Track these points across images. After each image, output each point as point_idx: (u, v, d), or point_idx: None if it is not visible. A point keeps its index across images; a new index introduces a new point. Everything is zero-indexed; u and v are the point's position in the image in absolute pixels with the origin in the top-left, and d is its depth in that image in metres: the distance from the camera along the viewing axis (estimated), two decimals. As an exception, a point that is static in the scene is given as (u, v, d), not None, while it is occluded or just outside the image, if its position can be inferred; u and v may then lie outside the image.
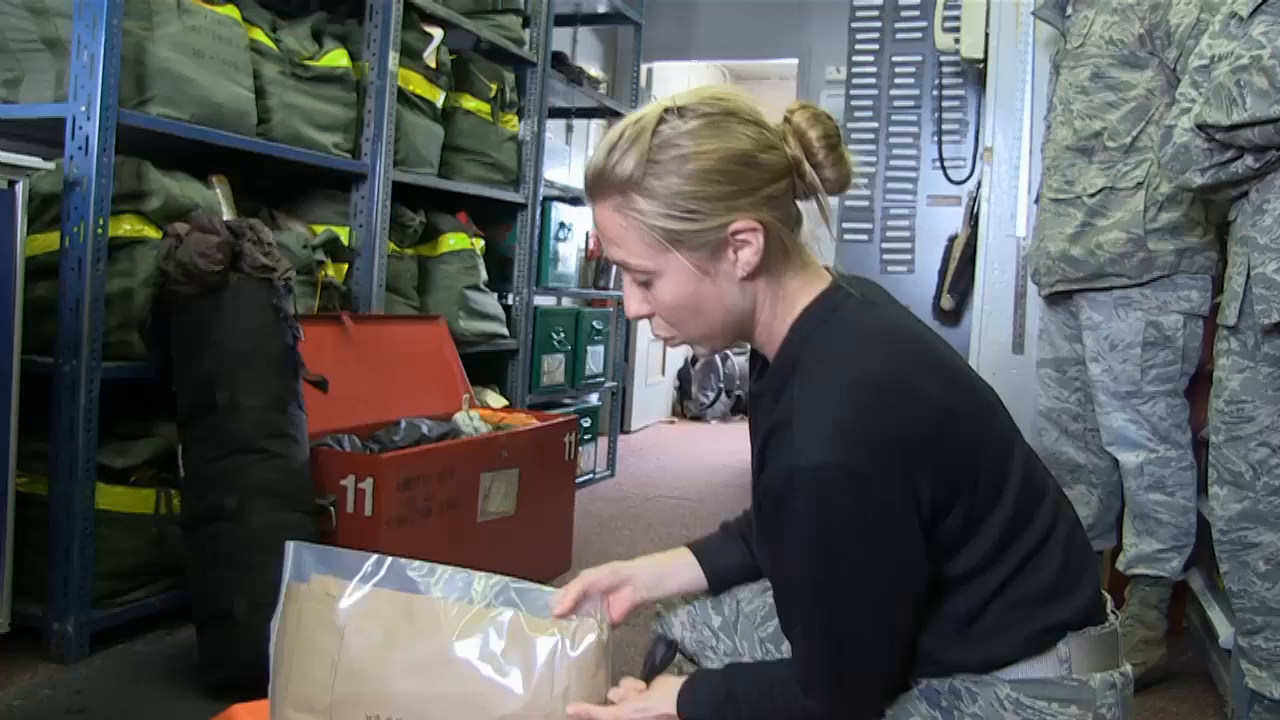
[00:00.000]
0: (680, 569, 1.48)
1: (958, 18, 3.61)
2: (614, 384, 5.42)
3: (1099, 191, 2.52)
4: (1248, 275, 1.98)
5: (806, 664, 1.18)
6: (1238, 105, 1.84)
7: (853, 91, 4.15)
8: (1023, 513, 1.21)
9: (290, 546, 1.47)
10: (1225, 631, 2.35)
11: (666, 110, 1.17)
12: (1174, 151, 2.04)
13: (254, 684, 2.13)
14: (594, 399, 5.23)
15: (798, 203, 1.22)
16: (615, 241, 1.20)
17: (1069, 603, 1.21)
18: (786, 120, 1.20)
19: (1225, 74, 1.87)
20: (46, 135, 2.55)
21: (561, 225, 4.77)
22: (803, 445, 1.10)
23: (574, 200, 5.09)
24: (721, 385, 7.86)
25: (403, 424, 2.97)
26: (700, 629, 1.49)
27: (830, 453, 1.08)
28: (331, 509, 2.51)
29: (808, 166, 1.18)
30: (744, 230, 1.15)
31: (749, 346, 1.32)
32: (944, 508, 1.15)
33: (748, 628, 1.46)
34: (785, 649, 1.43)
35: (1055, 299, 2.70)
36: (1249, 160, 1.92)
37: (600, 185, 1.19)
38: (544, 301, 4.99)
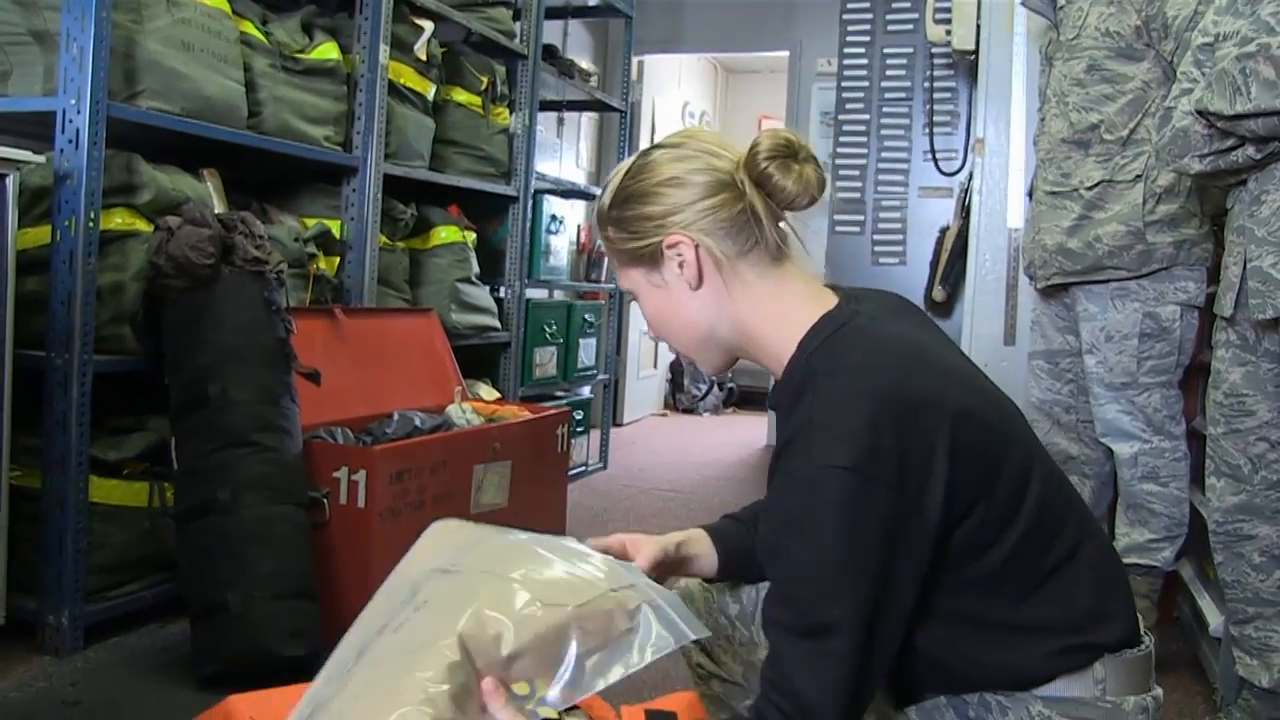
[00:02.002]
0: (699, 542, 1.48)
1: (949, 9, 3.61)
2: (606, 377, 5.43)
3: (1096, 184, 2.52)
4: (1244, 267, 1.97)
5: (777, 672, 1.14)
6: (1242, 95, 1.79)
7: (844, 84, 4.15)
8: (1046, 527, 1.20)
9: None
10: (1215, 620, 2.36)
11: (641, 152, 1.33)
12: (1173, 135, 2.00)
13: (248, 676, 2.14)
14: (586, 392, 5.23)
15: (783, 224, 1.28)
16: (613, 269, 1.38)
17: (1103, 625, 1.21)
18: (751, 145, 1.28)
19: (1230, 60, 1.81)
20: (36, 129, 2.55)
21: (553, 218, 4.76)
22: (813, 451, 1.11)
23: (565, 193, 5.09)
24: (713, 378, 7.86)
25: (395, 416, 2.97)
26: (716, 617, 1.50)
27: (838, 456, 1.09)
28: (324, 501, 2.51)
29: (750, 184, 1.24)
30: (674, 244, 1.26)
31: None
32: (962, 510, 1.14)
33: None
34: None
35: (1049, 291, 2.70)
36: (1250, 150, 1.89)
37: (597, 222, 1.36)
38: (536, 294, 4.99)
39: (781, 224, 1.27)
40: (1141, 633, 1.26)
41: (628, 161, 1.33)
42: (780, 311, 1.26)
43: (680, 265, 1.27)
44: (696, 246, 1.25)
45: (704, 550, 1.47)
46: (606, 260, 5.39)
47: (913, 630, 1.18)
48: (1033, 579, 1.19)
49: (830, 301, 1.27)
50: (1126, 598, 1.26)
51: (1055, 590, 1.20)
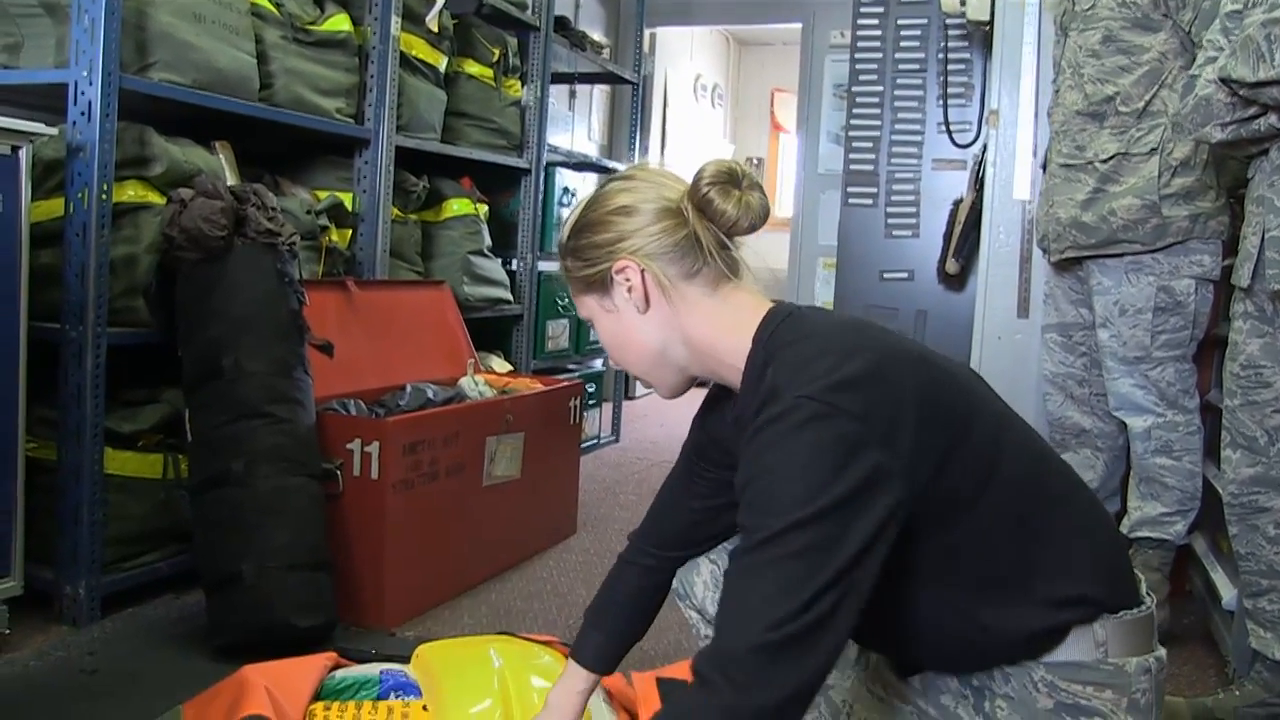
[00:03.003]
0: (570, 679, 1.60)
1: (964, -20, 3.57)
2: (618, 350, 5.42)
3: (1112, 157, 2.50)
4: (1263, 237, 1.96)
5: (738, 620, 1.06)
6: (1265, 61, 1.77)
7: (857, 55, 4.12)
8: (1030, 482, 1.21)
9: None
10: (1228, 594, 2.36)
11: (600, 185, 1.39)
12: (1195, 104, 1.98)
13: (262, 646, 2.16)
14: (598, 365, 5.24)
15: (732, 247, 1.31)
16: (572, 298, 1.42)
17: (1098, 581, 1.21)
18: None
19: (1256, 27, 1.79)
20: (48, 101, 2.54)
21: (565, 191, 4.75)
22: (780, 401, 1.11)
23: (577, 166, 5.07)
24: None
25: (408, 389, 2.98)
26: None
27: (806, 388, 1.10)
28: (338, 473, 2.52)
29: (692, 209, 1.28)
30: (622, 269, 1.30)
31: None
32: (936, 460, 1.13)
33: None
34: None
35: (1063, 264, 2.69)
36: (1272, 119, 1.87)
37: (559, 254, 1.42)
38: (548, 267, 4.98)
39: (729, 250, 1.30)
40: (1142, 594, 1.26)
41: (587, 196, 1.39)
42: (732, 322, 1.29)
43: (629, 290, 1.31)
44: (642, 271, 1.30)
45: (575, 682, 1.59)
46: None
47: (916, 591, 1.19)
48: (1022, 535, 1.19)
49: (768, 303, 1.31)
50: (1122, 558, 1.27)
51: (1047, 545, 1.20)
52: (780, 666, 1.02)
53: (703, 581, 1.53)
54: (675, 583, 1.57)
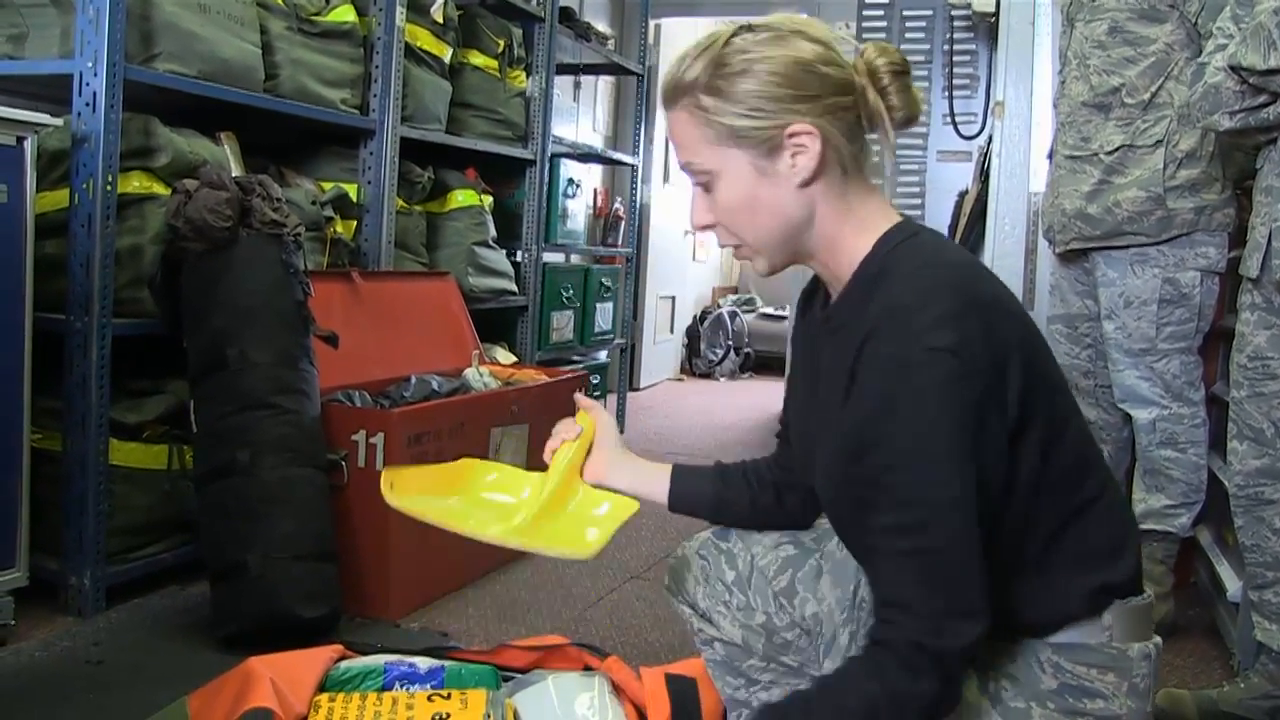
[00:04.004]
0: (657, 478, 1.53)
1: (970, -30, 3.57)
2: (623, 341, 5.42)
3: (1117, 149, 2.49)
4: (1271, 228, 1.95)
5: (905, 594, 1.10)
6: (1275, 49, 1.77)
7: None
8: (1081, 462, 1.21)
9: None
10: (1233, 586, 2.36)
11: (740, 28, 1.23)
12: (1204, 91, 1.98)
13: (267, 636, 2.16)
14: (603, 356, 5.24)
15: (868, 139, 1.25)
16: (682, 144, 1.25)
17: (1119, 567, 1.21)
18: (859, 54, 1.24)
19: (1268, 14, 1.79)
20: (53, 92, 2.54)
21: (570, 182, 4.75)
22: (909, 334, 1.09)
23: (582, 157, 5.07)
24: (730, 343, 7.86)
25: (413, 380, 2.98)
26: (713, 583, 1.50)
27: (937, 339, 1.08)
28: (342, 464, 2.52)
29: (873, 93, 1.21)
30: (801, 134, 1.19)
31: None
32: (1023, 422, 1.13)
33: (761, 582, 1.47)
34: (798, 603, 1.44)
35: (1068, 255, 2.68)
36: None
37: (672, 91, 1.24)
38: (552, 258, 4.98)
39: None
40: (1141, 582, 1.27)
41: (723, 31, 1.23)
42: (862, 221, 1.24)
43: (796, 156, 1.20)
44: (824, 141, 1.19)
45: (656, 489, 1.51)
46: (623, 225, 5.37)
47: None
48: (1063, 513, 1.19)
49: (898, 215, 1.27)
50: (1136, 544, 1.27)
51: (1083, 527, 1.20)
52: (966, 623, 1.08)
53: (693, 577, 1.52)
54: (666, 579, 1.56)
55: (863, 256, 1.23)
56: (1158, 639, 1.25)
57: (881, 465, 1.11)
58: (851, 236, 1.24)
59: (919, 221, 1.31)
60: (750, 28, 1.22)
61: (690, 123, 1.22)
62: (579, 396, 1.61)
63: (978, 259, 1.28)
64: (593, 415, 1.56)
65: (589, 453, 1.53)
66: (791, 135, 1.19)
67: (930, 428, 1.08)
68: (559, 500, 1.48)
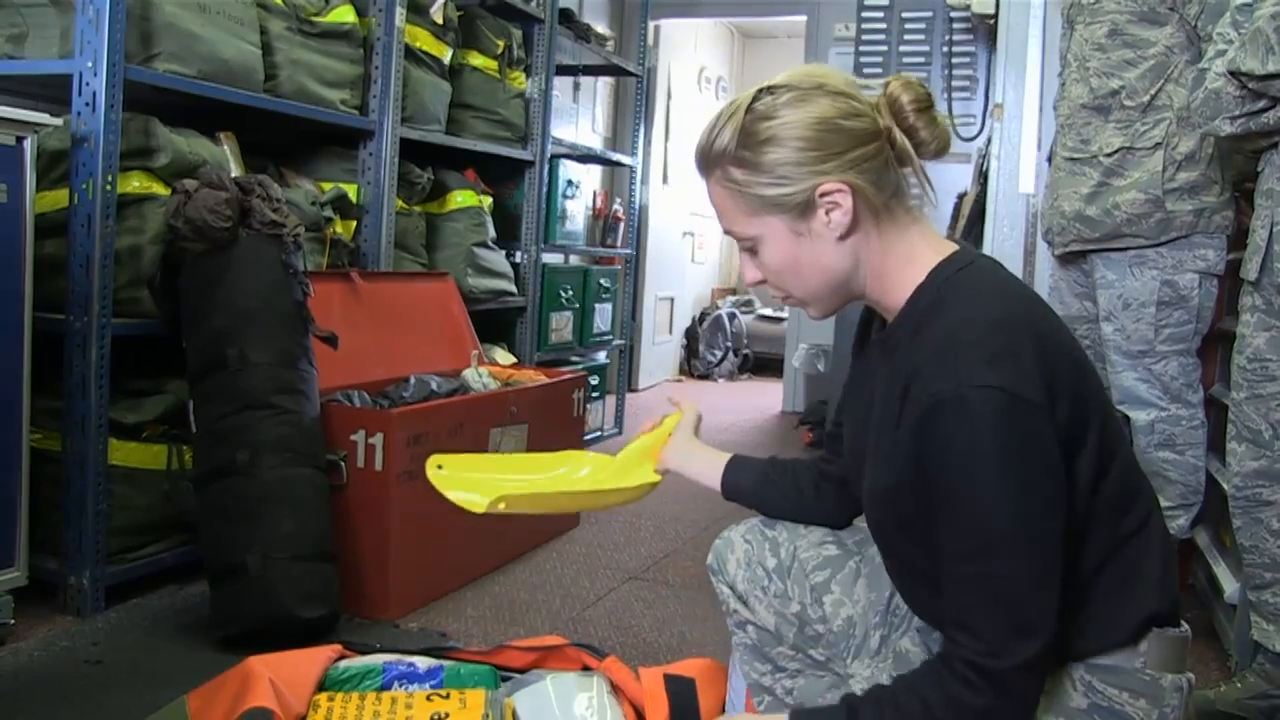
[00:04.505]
0: (715, 466, 1.64)
1: (969, -28, 3.58)
2: (622, 342, 5.43)
3: (1116, 151, 2.49)
4: (1271, 230, 1.95)
5: (967, 617, 1.14)
6: (1275, 54, 1.77)
7: (862, 48, 4.11)
8: (1127, 491, 1.21)
9: None
10: (1230, 587, 2.36)
11: (760, 90, 1.25)
12: (1205, 97, 1.98)
13: (267, 636, 2.16)
14: (602, 357, 5.24)
15: (904, 173, 1.26)
16: (721, 213, 1.29)
17: (1163, 596, 1.21)
18: (883, 93, 1.25)
19: (1266, 19, 1.80)
20: (53, 92, 2.55)
21: (569, 183, 4.75)
22: (961, 371, 1.11)
23: (581, 158, 5.07)
24: (729, 344, 7.86)
25: (412, 380, 2.98)
26: (754, 568, 1.52)
27: (991, 376, 1.09)
28: (342, 464, 2.52)
29: (899, 133, 1.23)
30: (832, 192, 1.21)
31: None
32: (1074, 451, 1.14)
33: (799, 574, 1.49)
34: (829, 603, 1.46)
35: (1067, 257, 2.68)
36: None
37: (704, 162, 1.28)
38: (552, 259, 4.98)
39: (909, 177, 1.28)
40: (1179, 613, 1.26)
41: (744, 98, 1.25)
42: (910, 252, 1.26)
43: (829, 213, 1.22)
44: (854, 194, 1.21)
45: (711, 471, 1.63)
46: (621, 226, 5.37)
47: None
48: (1111, 542, 1.19)
49: (952, 247, 1.28)
50: (1176, 572, 1.26)
51: (1130, 556, 1.20)
52: (1026, 642, 1.11)
53: (735, 559, 1.54)
54: (710, 558, 1.59)
55: (914, 286, 1.25)
56: (1191, 675, 1.23)
57: (939, 497, 1.14)
58: (898, 271, 1.26)
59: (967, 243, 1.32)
60: (771, 89, 1.24)
61: (725, 195, 1.26)
62: (671, 396, 1.75)
63: (1033, 291, 1.27)
64: (683, 409, 1.70)
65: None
66: (823, 195, 1.21)
67: (983, 462, 1.10)
68: (619, 473, 1.69)
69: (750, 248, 1.29)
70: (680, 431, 1.67)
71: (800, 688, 1.50)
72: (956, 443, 1.11)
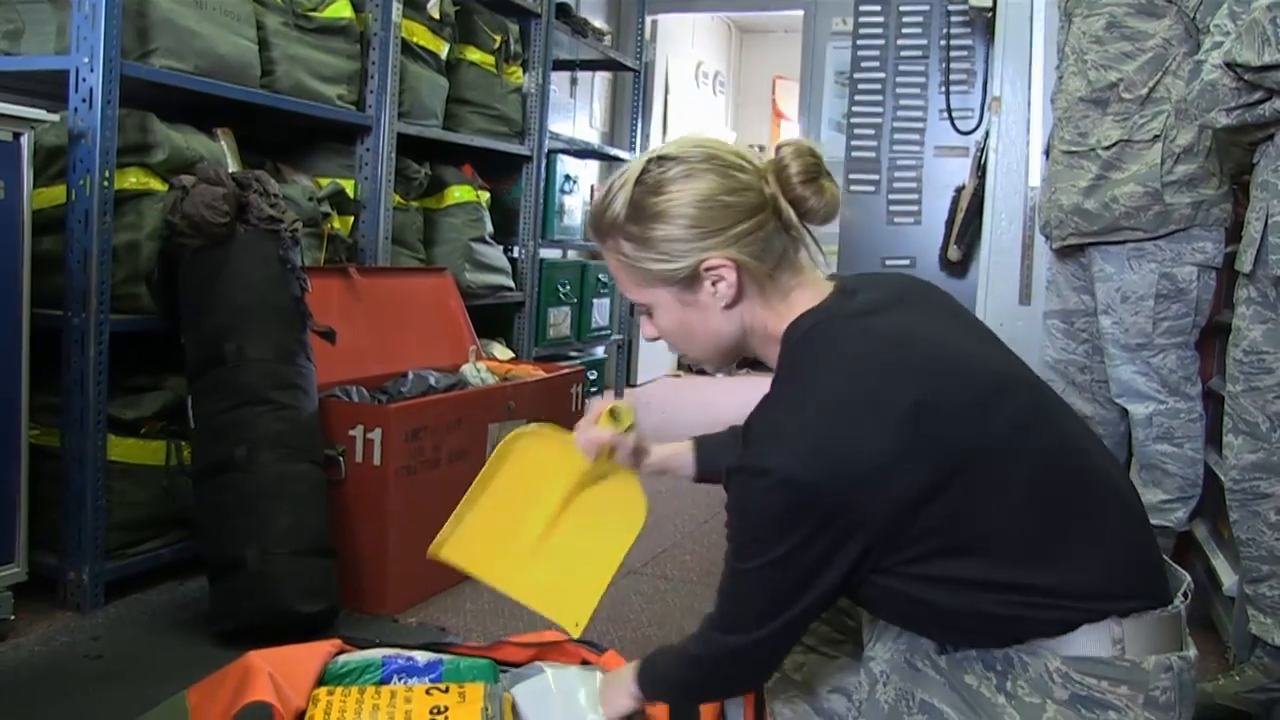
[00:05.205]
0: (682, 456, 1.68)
1: (966, -34, 3.58)
2: (620, 337, 5.43)
3: (1114, 144, 2.49)
4: (1266, 222, 1.96)
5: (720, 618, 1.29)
6: (1270, 45, 1.77)
7: (859, 42, 4.11)
8: (1049, 496, 1.20)
9: None
10: (1228, 580, 2.36)
11: (650, 160, 1.29)
12: (1201, 89, 1.98)
13: (266, 631, 2.16)
14: (600, 352, 5.24)
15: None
16: (616, 279, 1.35)
17: (1111, 587, 1.20)
18: (774, 157, 1.29)
19: (1262, 10, 1.79)
20: (49, 88, 2.54)
21: (566, 178, 4.75)
22: (754, 452, 1.20)
23: (579, 153, 5.07)
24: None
25: (410, 375, 2.98)
26: None
27: (773, 460, 1.15)
28: (340, 459, 2.52)
29: (784, 202, 1.26)
30: (716, 266, 1.26)
31: None
32: (919, 498, 1.15)
33: None
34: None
35: (1065, 250, 2.68)
36: (1277, 103, 1.86)
37: (597, 232, 1.33)
38: (549, 254, 4.98)
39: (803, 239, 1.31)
40: (1177, 593, 1.25)
41: (635, 168, 1.29)
42: (788, 312, 1.31)
43: (715, 284, 1.27)
44: (738, 268, 1.26)
45: (682, 462, 1.67)
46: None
47: (929, 592, 1.20)
48: (1036, 546, 1.19)
49: (819, 293, 1.31)
50: (1145, 557, 1.25)
51: (1058, 556, 1.19)
52: (755, 654, 1.28)
53: None
54: None
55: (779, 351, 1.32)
56: (1189, 652, 1.22)
57: (727, 560, 1.25)
58: (774, 329, 1.32)
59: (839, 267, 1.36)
60: (661, 160, 1.28)
61: (617, 265, 1.32)
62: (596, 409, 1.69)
63: (886, 332, 1.26)
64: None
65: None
66: (708, 269, 1.26)
67: (745, 535, 1.21)
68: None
69: (646, 311, 1.35)
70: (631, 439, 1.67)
71: (810, 664, 1.50)
72: (732, 515, 1.22)
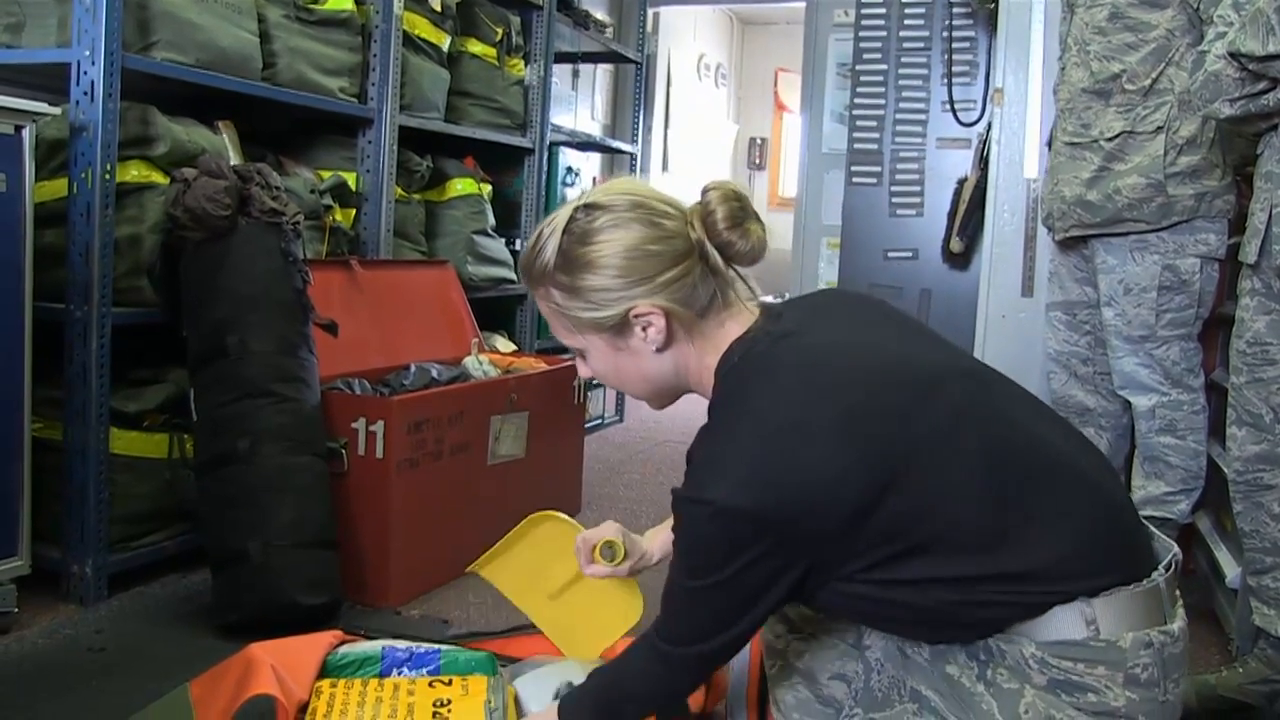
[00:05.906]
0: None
1: (969, -43, 3.56)
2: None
3: (1117, 135, 2.48)
4: (1270, 213, 1.95)
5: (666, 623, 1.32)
6: (1274, 35, 1.76)
7: (861, 34, 4.10)
8: (998, 485, 1.21)
9: None
10: (1232, 572, 2.36)
11: (577, 209, 1.32)
12: (1204, 79, 1.97)
13: (268, 624, 2.17)
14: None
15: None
16: (549, 323, 1.39)
17: (1072, 568, 1.20)
18: (700, 201, 1.31)
19: (1266, 0, 1.79)
20: (51, 81, 2.54)
21: (569, 170, 4.75)
22: (699, 480, 1.22)
23: (581, 146, 5.06)
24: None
25: (412, 368, 2.98)
26: None
27: (712, 490, 1.18)
28: (342, 452, 2.52)
29: (710, 247, 1.30)
30: (644, 314, 1.29)
31: None
32: (870, 501, 1.17)
33: None
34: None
35: (1068, 242, 2.67)
36: None
37: (528, 278, 1.37)
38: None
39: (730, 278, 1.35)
40: (1157, 566, 1.24)
41: (563, 216, 1.32)
42: (721, 347, 1.34)
43: (645, 329, 1.31)
44: (666, 314, 1.29)
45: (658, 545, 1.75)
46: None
47: (899, 594, 1.22)
48: (995, 534, 1.20)
49: (746, 324, 1.34)
50: (1113, 536, 1.25)
51: (1015, 542, 1.20)
52: (699, 664, 1.33)
53: None
54: None
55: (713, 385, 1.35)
56: (1172, 625, 1.22)
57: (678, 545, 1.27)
58: (707, 365, 1.35)
59: (787, 289, 1.40)
60: (589, 208, 1.31)
61: (548, 311, 1.36)
62: (585, 536, 1.77)
63: (812, 352, 1.29)
64: (605, 532, 1.74)
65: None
66: (636, 316, 1.29)
67: (686, 559, 1.24)
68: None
69: (580, 354, 1.39)
70: (628, 541, 1.74)
71: (812, 651, 1.51)
72: (679, 539, 1.25)
